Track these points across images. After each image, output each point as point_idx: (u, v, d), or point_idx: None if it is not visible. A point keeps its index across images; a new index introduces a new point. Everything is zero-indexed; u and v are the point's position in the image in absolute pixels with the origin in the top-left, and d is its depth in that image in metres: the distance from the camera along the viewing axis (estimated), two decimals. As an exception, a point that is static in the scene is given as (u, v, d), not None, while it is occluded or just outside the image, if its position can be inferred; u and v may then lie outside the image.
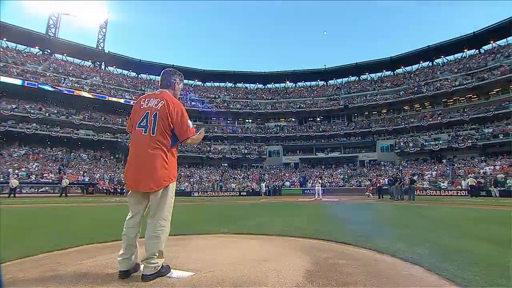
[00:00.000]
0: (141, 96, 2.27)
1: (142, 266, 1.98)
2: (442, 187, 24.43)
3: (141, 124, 2.07)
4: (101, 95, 37.10)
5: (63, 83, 35.65)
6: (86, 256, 2.58)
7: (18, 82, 31.88)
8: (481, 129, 30.09)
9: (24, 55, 38.03)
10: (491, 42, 35.97)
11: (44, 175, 25.27)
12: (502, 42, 35.24)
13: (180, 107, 2.16)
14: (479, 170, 25.30)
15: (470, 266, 2.37)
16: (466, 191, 21.18)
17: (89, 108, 37.34)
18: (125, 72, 46.75)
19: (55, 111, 34.10)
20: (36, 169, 26.24)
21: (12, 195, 17.35)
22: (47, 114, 32.99)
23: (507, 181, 21.55)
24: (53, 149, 33.11)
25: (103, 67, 45.49)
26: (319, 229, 4.51)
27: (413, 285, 1.93)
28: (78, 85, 36.41)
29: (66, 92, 34.79)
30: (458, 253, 2.87)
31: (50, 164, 28.94)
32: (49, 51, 41.21)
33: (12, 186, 17.88)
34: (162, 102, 2.09)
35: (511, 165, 24.34)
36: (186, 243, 3.08)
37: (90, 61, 44.73)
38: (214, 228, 4.52)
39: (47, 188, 22.92)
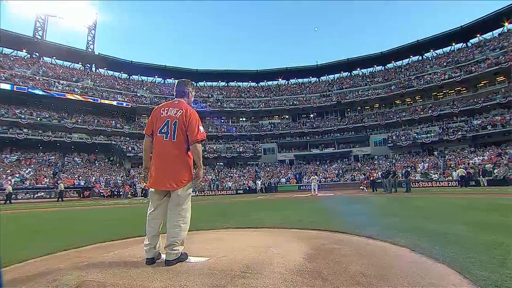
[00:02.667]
0: (160, 105, 2.56)
1: (164, 253, 2.26)
2: (434, 179, 25.07)
3: (162, 130, 2.35)
4: (93, 97, 36.70)
5: (54, 86, 35.15)
6: (106, 250, 2.81)
7: (7, 87, 31.31)
8: (470, 121, 30.89)
9: (12, 58, 37.31)
10: (478, 35, 36.81)
11: (39, 180, 25.03)
12: (488, 35, 36.15)
13: (195, 115, 2.43)
14: (469, 161, 26.02)
15: (451, 245, 2.66)
16: (456, 182, 21.81)
17: (82, 111, 36.94)
18: (116, 73, 46.25)
19: (47, 116, 33.65)
20: (30, 174, 25.95)
21: (8, 201, 17.21)
22: (38, 118, 32.53)
23: (495, 170, 22.27)
24: (46, 153, 32.71)
25: (93, 69, 44.93)
26: (316, 221, 4.78)
27: (397, 260, 2.23)
28: (69, 89, 35.97)
29: (57, 96, 34.33)
30: (442, 236, 3.16)
31: (44, 169, 28.64)
32: (37, 54, 40.50)
33: (7, 192, 17.73)
34: (180, 111, 2.37)
35: (498, 155, 25.10)
36: (194, 237, 3.28)
37: (80, 63, 44.12)
38: (217, 224, 4.73)
39: (42, 193, 22.73)
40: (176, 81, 2.66)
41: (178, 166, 2.30)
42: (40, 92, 33.21)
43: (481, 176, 21.63)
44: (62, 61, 42.28)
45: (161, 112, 2.43)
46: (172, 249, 2.19)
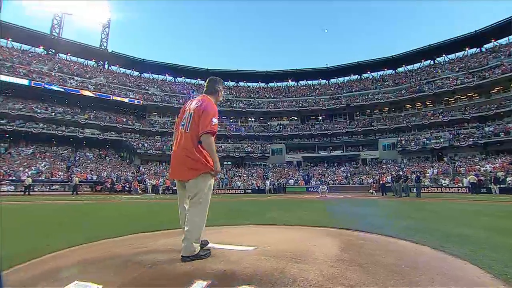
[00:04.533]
0: (188, 100, 2.67)
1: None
2: (444, 185, 24.83)
3: (182, 123, 2.43)
4: (105, 94, 37.50)
5: (68, 82, 36.07)
6: (153, 239, 3.03)
7: (25, 82, 32.29)
8: (482, 128, 30.42)
9: (30, 55, 38.41)
10: (493, 40, 36.19)
11: (54, 173, 25.77)
12: (503, 41, 35.47)
13: (210, 107, 2.37)
14: (479, 168, 25.67)
15: (468, 245, 2.82)
16: (467, 188, 21.58)
17: (94, 107, 37.76)
18: (128, 71, 47.08)
19: (61, 111, 34.54)
20: (46, 167, 26.74)
21: (27, 192, 17.85)
22: (53, 113, 33.41)
23: (507, 178, 21.94)
24: (59, 148, 33.60)
25: (106, 66, 45.85)
26: (332, 221, 4.95)
27: (421, 256, 2.45)
28: (83, 85, 36.83)
29: (71, 91, 35.21)
30: (458, 237, 3.32)
31: (58, 163, 29.45)
32: (53, 51, 41.58)
33: (26, 184, 18.38)
34: (198, 103, 2.41)
35: (511, 163, 24.71)
36: (224, 231, 3.49)
37: (93, 60, 45.04)
38: (237, 221, 4.90)
39: (57, 186, 23.42)
40: (208, 78, 2.70)
41: (189, 156, 2.27)
42: (56, 88, 34.11)
43: (492, 183, 21.34)
44: (77, 57, 43.30)
45: (186, 106, 2.52)
46: (187, 244, 2.16)
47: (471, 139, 29.91)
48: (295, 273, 1.81)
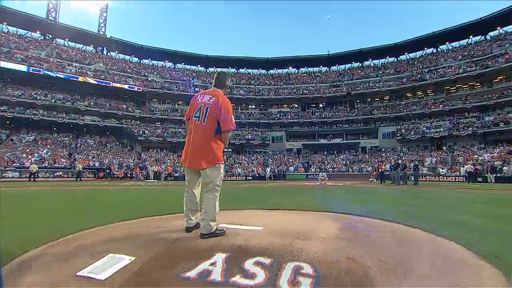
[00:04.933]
0: (198, 93, 2.84)
1: (191, 223, 2.62)
2: (441, 173, 25.20)
3: (196, 115, 2.60)
4: (105, 81, 37.22)
5: (67, 69, 35.70)
6: (168, 221, 3.26)
7: (23, 68, 31.98)
8: (482, 117, 30.46)
9: (26, 40, 37.79)
10: (498, 28, 35.56)
11: (57, 160, 26.04)
12: (509, 28, 34.73)
13: (228, 104, 2.66)
14: (478, 157, 25.95)
15: (459, 229, 3.05)
16: (463, 177, 21.93)
17: (94, 94, 37.57)
18: (127, 57, 46.49)
19: (61, 97, 34.39)
20: (48, 154, 26.97)
21: (32, 179, 18.16)
22: (53, 100, 33.29)
23: (504, 168, 22.26)
24: (60, 135, 33.72)
25: (105, 52, 45.20)
26: (332, 206, 5.20)
27: (413, 236, 2.69)
28: (82, 71, 36.48)
29: (71, 78, 34.92)
30: (451, 222, 3.56)
31: (60, 150, 29.67)
32: (50, 36, 40.85)
33: (33, 170, 18.66)
34: (214, 98, 2.61)
35: (509, 152, 24.97)
36: (231, 215, 3.71)
37: (92, 46, 44.34)
38: (242, 206, 5.14)
39: (61, 172, 23.74)
40: (217, 71, 2.91)
41: (206, 147, 2.49)
42: (55, 74, 33.81)
43: (489, 173, 21.68)
44: (75, 43, 42.62)
45: (198, 98, 2.68)
46: (205, 224, 2.43)
47: (471, 129, 30.04)
48: (302, 247, 2.05)
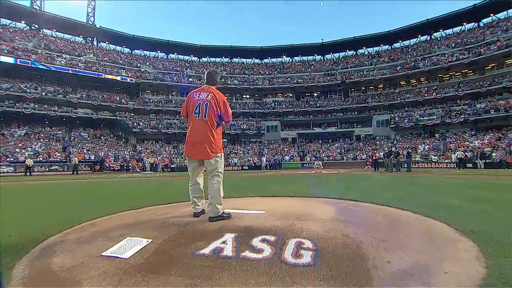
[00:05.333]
0: (193, 91, 3.05)
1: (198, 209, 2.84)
2: (433, 160, 25.82)
3: (196, 111, 2.82)
4: (96, 72, 36.51)
5: (57, 60, 34.84)
6: (176, 209, 3.43)
7: (10, 60, 31.10)
8: (474, 105, 30.98)
9: (11, 30, 36.58)
10: (491, 15, 35.67)
11: (51, 154, 25.84)
12: (502, 15, 34.92)
13: (224, 98, 2.94)
14: (469, 144, 26.58)
15: (444, 210, 3.30)
16: (455, 164, 22.55)
17: (86, 86, 36.89)
18: (118, 48, 45.48)
19: (52, 90, 33.73)
20: (42, 148, 26.71)
21: (28, 173, 18.07)
22: (43, 93, 32.63)
23: (493, 154, 22.93)
24: (53, 128, 33.26)
25: (95, 43, 44.08)
26: (328, 193, 5.44)
27: (402, 217, 2.94)
28: (72, 63, 35.66)
29: (61, 70, 34.14)
30: (438, 205, 3.82)
31: (53, 144, 29.37)
32: (36, 26, 39.55)
33: (29, 165, 18.54)
34: (211, 95, 2.85)
35: (498, 139, 25.63)
36: (233, 202, 3.88)
37: (81, 36, 43.18)
38: (241, 194, 5.34)
39: (56, 166, 23.62)
40: (207, 71, 3.17)
41: (210, 139, 2.75)
42: (44, 66, 32.99)
43: (478, 159, 22.30)
44: (63, 33, 41.42)
45: (194, 96, 2.88)
46: (213, 207, 2.66)
47: (463, 116, 30.59)
48: (302, 227, 2.25)
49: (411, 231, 2.37)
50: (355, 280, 1.43)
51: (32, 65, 32.10)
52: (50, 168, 23.13)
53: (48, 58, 34.15)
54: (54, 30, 40.52)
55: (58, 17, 39.12)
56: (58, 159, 25.40)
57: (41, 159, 24.24)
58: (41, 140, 29.40)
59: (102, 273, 1.51)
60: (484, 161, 21.89)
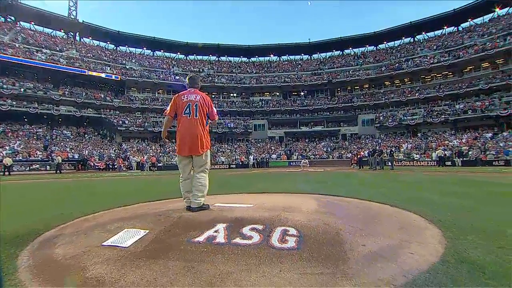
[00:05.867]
0: (180, 93, 3.25)
1: (190, 202, 2.99)
2: (415, 159, 26.87)
3: (186, 112, 3.05)
4: (80, 69, 35.39)
5: (36, 56, 33.48)
6: (165, 205, 3.53)
7: (-17, 54, 29.66)
8: (453, 105, 32.45)
9: (-16, 22, 34.82)
10: (469, 20, 37.43)
11: (32, 153, 24.91)
12: (479, 20, 36.82)
13: (209, 99, 3.23)
14: (448, 143, 27.84)
15: (419, 204, 3.60)
16: (435, 162, 23.61)
17: (68, 83, 35.76)
18: (102, 44, 44.26)
19: (31, 86, 32.44)
20: (21, 147, 25.70)
21: (7, 172, 17.36)
22: (22, 89, 31.34)
23: (469, 152, 24.18)
24: (33, 126, 32.01)
25: (78, 38, 42.66)
26: (313, 189, 5.70)
27: (381, 210, 3.19)
28: (53, 58, 34.40)
29: (40, 65, 32.83)
30: (415, 199, 4.14)
31: (34, 142, 28.30)
32: (13, 18, 37.72)
33: (7, 164, 17.82)
34: (198, 96, 3.12)
35: (475, 138, 27.03)
36: (223, 198, 4.06)
37: (62, 31, 41.65)
38: (230, 191, 5.50)
39: (37, 165, 22.82)
40: (188, 75, 3.45)
41: (201, 136, 3.00)
42: (22, 61, 31.62)
43: (456, 157, 23.47)
44: (42, 27, 39.79)
45: (182, 98, 3.10)
46: (196, 199, 2.92)
47: (443, 116, 31.96)
48: (287, 217, 2.46)
49: (387, 221, 2.63)
50: (333, 260, 1.64)
51: (9, 60, 30.68)
52: (31, 167, 22.32)
53: (27, 53, 32.77)
54: (33, 23, 38.84)
55: (37, 10, 37.50)
56: (39, 158, 24.53)
57: (20, 158, 23.33)
58: (20, 138, 28.27)
59: (106, 259, 1.64)
60: (461, 159, 23.07)
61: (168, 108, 3.18)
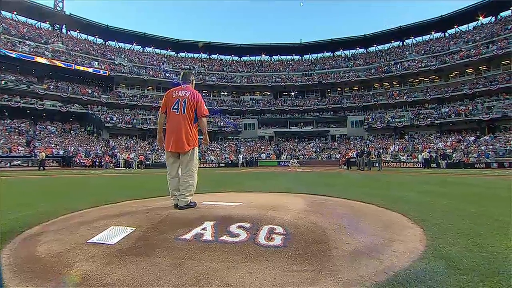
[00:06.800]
0: (172, 89, 3.24)
1: (178, 200, 2.98)
2: (402, 160, 27.55)
3: (174, 107, 3.02)
4: (66, 63, 34.33)
5: (19, 47, 32.21)
6: (153, 202, 3.53)
7: (-38, 44, 28.34)
8: (439, 109, 33.48)
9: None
10: (455, 27, 38.69)
11: (13, 149, 24.01)
12: (464, 27, 38.21)
13: (200, 96, 3.17)
14: (434, 145, 28.71)
15: (402, 203, 3.72)
16: (421, 163, 24.28)
17: (53, 76, 34.61)
18: (90, 38, 43.10)
19: (13, 79, 31.24)
20: (1, 141, 24.73)
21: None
22: (3, 82, 30.12)
23: (453, 155, 25.02)
24: (15, 120, 30.86)
25: (64, 31, 41.36)
26: (301, 188, 5.77)
27: (366, 209, 3.28)
28: (38, 51, 33.22)
29: (23, 57, 31.60)
30: (399, 199, 4.26)
31: (15, 137, 27.28)
32: (-7, 7, 36.18)
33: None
34: (188, 92, 3.07)
35: (459, 141, 27.99)
36: (211, 196, 4.07)
37: (47, 23, 40.27)
38: (219, 189, 5.49)
39: (19, 161, 22.01)
40: (182, 72, 3.42)
41: (187, 132, 2.96)
42: (4, 53, 30.35)
43: (441, 159, 24.25)
44: (26, 18, 38.33)
45: (173, 94, 3.07)
46: (183, 198, 2.91)
47: (429, 119, 32.93)
48: (275, 216, 2.49)
49: (371, 220, 2.70)
50: (318, 257, 1.68)
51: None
52: (12, 163, 21.51)
53: (9, 44, 31.51)
54: (15, 13, 37.33)
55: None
56: (21, 153, 23.68)
57: (1, 153, 22.45)
58: (1, 132, 27.19)
59: (91, 256, 1.62)
60: (446, 161, 23.85)
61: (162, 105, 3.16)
